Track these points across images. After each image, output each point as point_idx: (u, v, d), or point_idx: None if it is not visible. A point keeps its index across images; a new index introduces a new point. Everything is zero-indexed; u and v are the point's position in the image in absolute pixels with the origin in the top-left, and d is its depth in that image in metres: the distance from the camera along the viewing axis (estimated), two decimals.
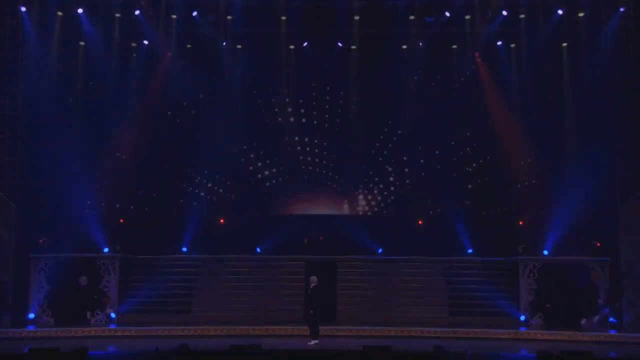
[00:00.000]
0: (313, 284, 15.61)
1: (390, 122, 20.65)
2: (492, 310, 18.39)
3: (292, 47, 19.92)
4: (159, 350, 12.47)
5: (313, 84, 20.70)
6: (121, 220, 19.93)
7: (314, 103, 20.74)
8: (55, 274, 18.15)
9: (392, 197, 20.64)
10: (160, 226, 19.87)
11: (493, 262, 19.11)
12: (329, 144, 20.69)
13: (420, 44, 19.88)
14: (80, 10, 18.72)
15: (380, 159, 20.62)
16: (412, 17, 18.90)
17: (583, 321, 17.66)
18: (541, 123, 19.90)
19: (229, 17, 18.93)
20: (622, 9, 18.32)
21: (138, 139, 19.92)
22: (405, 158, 20.70)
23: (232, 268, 19.25)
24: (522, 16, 18.84)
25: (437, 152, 20.69)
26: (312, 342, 15.32)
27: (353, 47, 19.82)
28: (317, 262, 18.59)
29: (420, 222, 20.47)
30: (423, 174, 20.69)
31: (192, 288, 18.84)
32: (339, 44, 20.02)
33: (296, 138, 20.70)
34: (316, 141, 20.75)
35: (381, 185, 20.63)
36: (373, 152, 20.63)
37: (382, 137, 20.64)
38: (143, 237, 19.51)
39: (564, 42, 19.42)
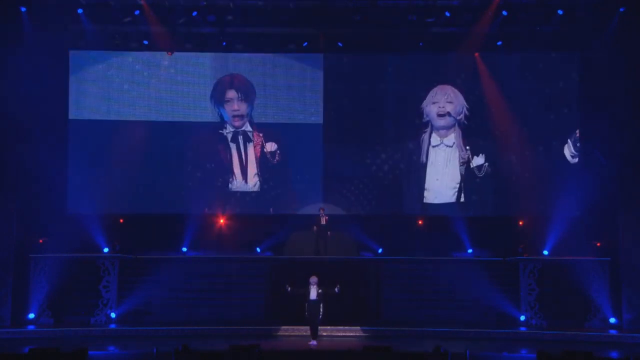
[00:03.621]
0: (316, 286, 15.55)
1: (388, 123, 20.55)
2: (492, 310, 18.42)
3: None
4: (158, 350, 12.49)
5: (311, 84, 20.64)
6: (121, 220, 19.90)
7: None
8: (55, 274, 18.15)
9: (391, 197, 20.53)
10: (160, 226, 19.81)
11: (493, 262, 19.09)
12: (328, 143, 20.55)
13: (420, 44, 19.90)
14: (80, 11, 18.80)
15: (379, 158, 20.48)
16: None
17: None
18: (541, 122, 19.90)
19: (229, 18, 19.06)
20: (622, 9, 18.35)
21: (138, 138, 19.89)
22: (405, 158, 20.58)
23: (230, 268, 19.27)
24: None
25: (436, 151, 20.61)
26: (310, 342, 15.35)
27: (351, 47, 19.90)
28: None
29: (420, 222, 20.43)
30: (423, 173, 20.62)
31: (191, 289, 18.86)
32: (339, 44, 20.04)
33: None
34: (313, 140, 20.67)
35: (381, 185, 20.51)
36: (373, 151, 20.48)
37: (381, 136, 20.54)
38: (143, 236, 19.50)
39: (564, 42, 19.46)
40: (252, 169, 20.20)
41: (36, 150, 18.44)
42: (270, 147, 20.07)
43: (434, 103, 20.31)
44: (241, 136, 20.26)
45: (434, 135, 20.35)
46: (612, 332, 17.39)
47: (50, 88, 18.83)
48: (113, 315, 18.14)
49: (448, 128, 20.32)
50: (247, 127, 20.26)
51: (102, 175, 19.53)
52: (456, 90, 20.32)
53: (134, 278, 18.71)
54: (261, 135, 20.19)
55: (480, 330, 17.29)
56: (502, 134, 19.99)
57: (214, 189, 20.10)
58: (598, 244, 18.74)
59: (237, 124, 20.20)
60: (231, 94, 20.20)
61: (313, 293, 15.54)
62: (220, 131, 20.19)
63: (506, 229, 19.72)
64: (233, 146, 20.22)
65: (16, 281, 17.94)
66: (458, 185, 20.14)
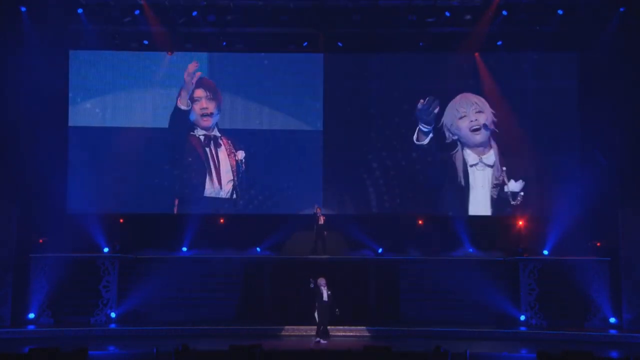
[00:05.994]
0: (326, 287, 15.65)
1: (388, 123, 20.49)
2: (492, 310, 18.43)
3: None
4: (158, 350, 12.49)
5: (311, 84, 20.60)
6: (121, 220, 19.89)
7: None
8: (55, 274, 18.16)
9: (391, 196, 20.48)
10: (160, 226, 19.80)
11: (493, 262, 19.09)
12: (327, 142, 20.48)
13: (420, 44, 19.88)
14: (80, 10, 18.80)
15: (380, 158, 20.41)
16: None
17: None
18: (541, 122, 19.89)
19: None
20: (622, 9, 18.36)
21: (139, 138, 19.89)
22: (405, 157, 20.50)
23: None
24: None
25: (437, 150, 20.52)
26: (317, 340, 15.38)
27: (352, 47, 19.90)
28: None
29: (420, 222, 20.39)
30: (424, 173, 20.55)
31: (191, 289, 18.87)
32: (339, 44, 20.02)
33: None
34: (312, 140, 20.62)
35: (380, 185, 20.45)
36: (373, 150, 20.40)
37: (381, 136, 20.49)
38: (143, 236, 19.49)
39: (564, 42, 19.46)
40: (225, 175, 20.18)
41: (36, 150, 18.47)
42: (240, 155, 20.11)
43: (461, 118, 19.95)
44: (212, 141, 20.22)
45: (467, 151, 19.77)
46: (612, 332, 17.40)
47: (50, 88, 18.84)
48: (113, 315, 18.16)
49: (485, 145, 19.79)
50: (216, 132, 20.20)
51: (103, 175, 19.50)
52: (479, 97, 20.00)
53: (134, 278, 18.75)
54: (230, 141, 20.13)
55: (480, 330, 17.32)
56: (502, 133, 19.96)
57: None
58: (598, 244, 18.75)
59: (205, 123, 20.14)
60: (199, 92, 20.20)
61: (324, 295, 15.68)
62: (192, 133, 20.17)
63: (506, 229, 19.73)
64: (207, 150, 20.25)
65: (16, 281, 17.97)
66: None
